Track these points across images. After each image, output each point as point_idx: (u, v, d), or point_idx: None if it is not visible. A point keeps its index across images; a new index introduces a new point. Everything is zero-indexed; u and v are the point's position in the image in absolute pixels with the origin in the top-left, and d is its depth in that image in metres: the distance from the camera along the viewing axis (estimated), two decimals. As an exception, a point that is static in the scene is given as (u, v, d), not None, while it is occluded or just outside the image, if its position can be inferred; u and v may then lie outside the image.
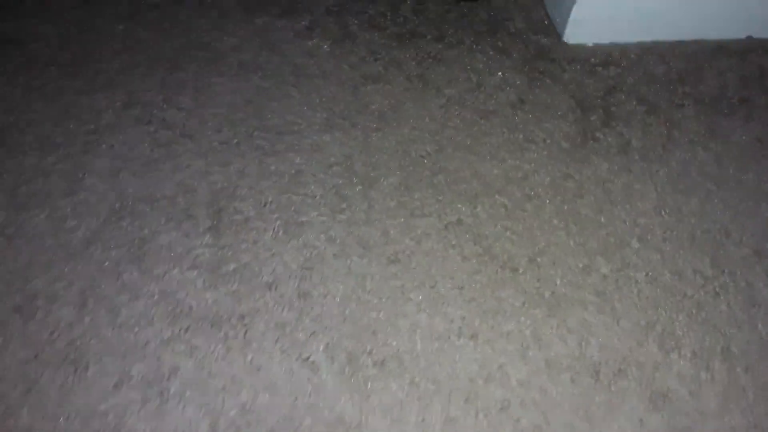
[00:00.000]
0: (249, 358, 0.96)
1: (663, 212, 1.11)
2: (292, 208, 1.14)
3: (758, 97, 1.28)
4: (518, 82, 1.34)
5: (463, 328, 0.99)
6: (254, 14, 1.50)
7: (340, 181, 1.18)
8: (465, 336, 0.98)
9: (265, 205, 1.15)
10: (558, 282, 1.03)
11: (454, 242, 1.09)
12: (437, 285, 1.04)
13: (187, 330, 1.00)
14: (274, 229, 1.11)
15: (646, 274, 1.03)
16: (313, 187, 1.18)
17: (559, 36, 1.44)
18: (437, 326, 0.99)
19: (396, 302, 1.02)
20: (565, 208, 1.13)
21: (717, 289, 1.01)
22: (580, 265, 1.05)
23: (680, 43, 1.41)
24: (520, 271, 1.05)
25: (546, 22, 1.47)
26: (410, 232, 1.11)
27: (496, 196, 1.15)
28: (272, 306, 1.02)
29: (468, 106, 1.31)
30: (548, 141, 1.23)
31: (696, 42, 1.41)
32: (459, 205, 1.14)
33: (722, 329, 0.97)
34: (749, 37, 1.43)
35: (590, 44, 1.42)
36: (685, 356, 0.94)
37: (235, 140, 1.25)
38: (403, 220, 1.12)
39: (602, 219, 1.11)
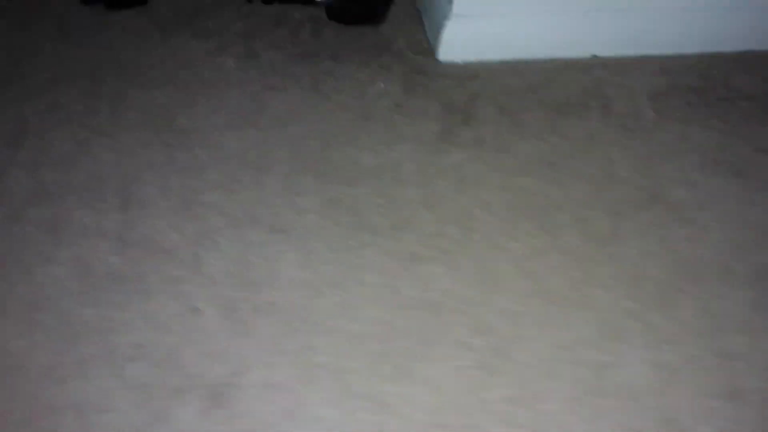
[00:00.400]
0: (145, 306, 1.13)
1: (506, 190, 1.33)
2: (193, 191, 1.33)
3: (593, 101, 1.54)
4: (396, 92, 1.57)
5: (330, 280, 1.17)
6: (170, 37, 1.71)
7: (237, 170, 1.38)
8: (332, 286, 1.17)
9: (169, 190, 1.33)
10: (415, 244, 1.23)
11: (331, 215, 1.29)
12: (313, 248, 1.23)
13: (93, 287, 1.15)
14: (175, 208, 1.29)
15: (486, 237, 1.24)
16: (213, 175, 1.36)
17: (434, 55, 1.68)
18: (310, 279, 1.18)
19: (276, 262, 1.20)
20: (426, 188, 1.34)
21: (539, 246, 1.23)
22: (434, 231, 1.26)
23: (536, 61, 1.66)
24: (385, 237, 1.25)
25: (424, 44, 1.72)
26: (294, 208, 1.30)
27: (370, 180, 1.36)
28: (169, 266, 1.19)
29: (353, 110, 1.52)
30: (417, 137, 1.45)
31: (549, 60, 1.67)
32: (339, 187, 1.35)
33: (542, 276, 1.18)
34: (594, 56, 1.70)
35: (460, 62, 1.67)
36: (510, 298, 1.15)
37: (146, 139, 1.43)
38: (288, 199, 1.32)
39: (455, 196, 1.32)
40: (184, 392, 1.02)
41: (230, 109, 1.51)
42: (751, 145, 1.42)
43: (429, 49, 1.70)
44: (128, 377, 1.04)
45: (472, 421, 1.01)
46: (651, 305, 1.15)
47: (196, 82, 1.58)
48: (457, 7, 1.63)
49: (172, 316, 1.11)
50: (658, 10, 1.69)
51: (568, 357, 1.09)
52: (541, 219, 1.28)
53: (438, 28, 1.67)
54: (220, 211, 1.28)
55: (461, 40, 1.66)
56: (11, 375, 1.04)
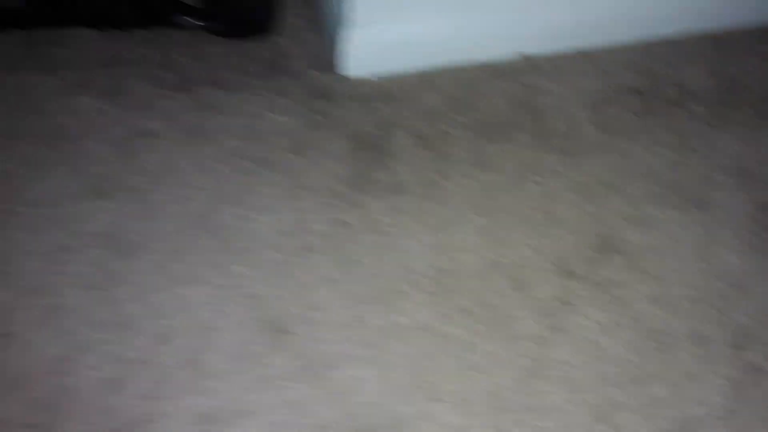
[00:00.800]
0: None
1: (435, 253, 1.12)
2: (50, 290, 1.06)
3: (524, 118, 1.32)
4: (296, 126, 1.31)
5: (223, 410, 0.94)
6: (17, 72, 1.38)
7: (105, 254, 1.11)
8: (223, 422, 0.94)
9: (20, 290, 1.06)
10: (329, 342, 1.01)
11: (226, 309, 1.05)
12: (203, 360, 0.99)
13: None
14: (28, 317, 1.03)
15: (418, 322, 1.03)
16: (73, 264, 1.09)
17: (339, 71, 1.42)
18: (189, 416, 0.94)
19: (161, 386, 0.96)
20: (337, 257, 1.11)
21: (475, 326, 1.02)
22: (350, 319, 1.03)
23: (456, 69, 1.43)
24: (291, 335, 1.02)
25: (328, 57, 1.45)
26: (178, 303, 1.05)
27: (270, 253, 1.12)
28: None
29: (245, 156, 1.26)
30: (324, 187, 1.21)
31: (471, 66, 1.43)
32: (233, 266, 1.10)
33: (490, 372, 0.98)
34: (522, 56, 1.47)
35: (370, 77, 1.42)
36: (449, 407, 0.94)
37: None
38: (170, 291, 1.07)
39: (375, 267, 1.10)
40: None
41: (92, 168, 1.23)
42: (710, 163, 1.24)
43: (334, 64, 1.43)
44: None
45: None
46: (619, 401, 0.96)
47: (48, 132, 1.28)
48: (360, 13, 1.36)
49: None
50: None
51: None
52: (478, 290, 1.07)
53: (341, 39, 1.40)
54: (85, 318, 1.03)
55: (369, 51, 1.40)
56: None
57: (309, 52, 1.46)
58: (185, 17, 1.43)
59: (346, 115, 1.33)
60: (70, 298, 1.05)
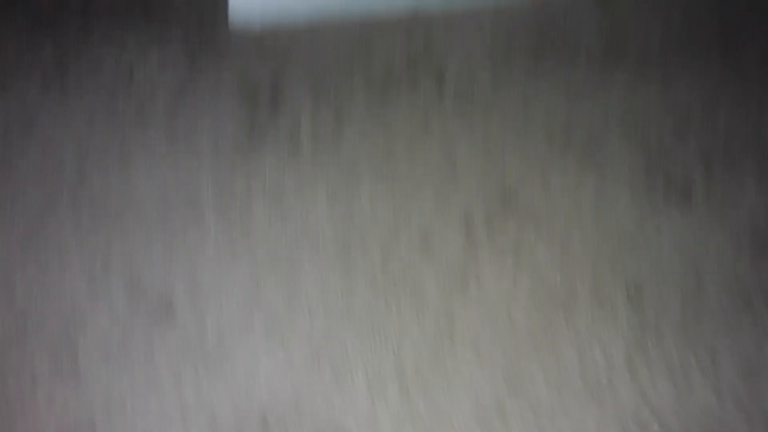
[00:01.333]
0: None
1: (333, 207, 1.06)
2: None
3: (424, 78, 1.28)
4: (179, 77, 1.19)
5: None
6: None
7: None
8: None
9: None
10: (219, 316, 0.94)
11: (98, 290, 0.95)
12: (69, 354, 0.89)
13: None
14: None
15: (315, 274, 0.98)
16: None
17: (226, 18, 1.31)
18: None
19: None
20: (232, 222, 1.03)
21: (379, 278, 0.99)
22: (248, 290, 0.97)
23: (350, 20, 1.35)
24: (178, 315, 0.93)
25: (213, 3, 1.33)
26: (40, 287, 0.94)
27: (151, 223, 1.02)
28: None
29: (119, 111, 1.13)
30: (213, 145, 1.12)
31: (365, 18, 1.37)
32: (105, 235, 0.99)
33: (391, 333, 0.95)
34: (415, 12, 1.42)
35: (259, 25, 1.32)
36: (358, 381, 0.91)
37: None
38: (34, 275, 0.94)
39: (273, 227, 1.03)
40: None
41: None
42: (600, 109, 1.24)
43: (220, 10, 1.31)
44: None
45: None
46: (524, 354, 0.97)
47: None
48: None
49: None
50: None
51: None
52: (382, 242, 1.04)
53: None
54: None
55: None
56: None
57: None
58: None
59: (235, 65, 1.22)
60: None
